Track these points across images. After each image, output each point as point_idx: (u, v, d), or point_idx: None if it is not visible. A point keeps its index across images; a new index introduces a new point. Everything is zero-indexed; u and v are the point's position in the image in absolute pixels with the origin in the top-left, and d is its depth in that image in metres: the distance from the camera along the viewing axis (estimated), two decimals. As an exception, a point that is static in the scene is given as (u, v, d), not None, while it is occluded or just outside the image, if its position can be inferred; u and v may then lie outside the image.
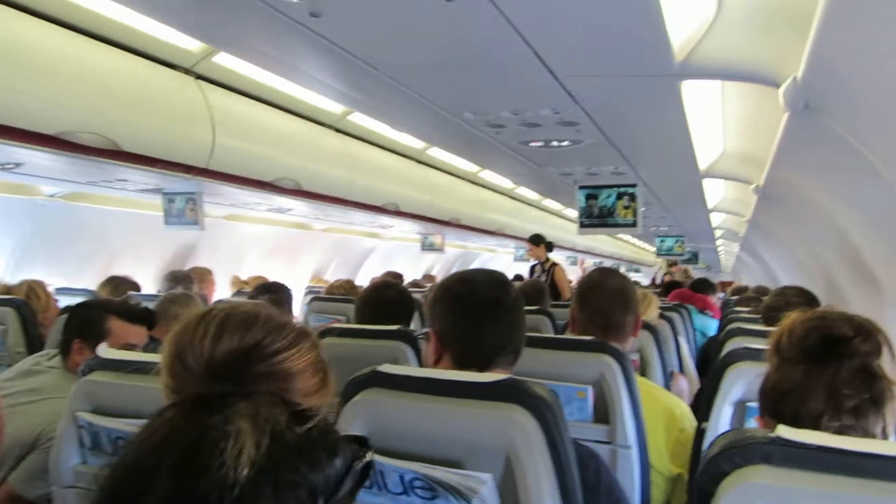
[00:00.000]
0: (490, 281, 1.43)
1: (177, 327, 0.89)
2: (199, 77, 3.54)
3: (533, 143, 4.12)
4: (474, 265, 12.47)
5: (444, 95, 3.18)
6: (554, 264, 6.89)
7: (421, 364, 2.03)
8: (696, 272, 14.87)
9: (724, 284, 20.20)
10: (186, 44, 3.31)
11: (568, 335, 2.08)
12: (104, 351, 1.48)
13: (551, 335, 2.37)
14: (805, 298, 2.45)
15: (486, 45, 2.28)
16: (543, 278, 6.72)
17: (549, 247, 6.97)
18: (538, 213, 9.48)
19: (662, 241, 10.60)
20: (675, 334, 3.37)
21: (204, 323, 0.88)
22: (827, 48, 1.37)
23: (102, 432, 1.40)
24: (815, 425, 1.08)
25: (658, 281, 12.16)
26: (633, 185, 5.04)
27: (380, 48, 2.45)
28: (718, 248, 13.12)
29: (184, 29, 2.66)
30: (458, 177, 6.69)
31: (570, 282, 7.53)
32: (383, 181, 5.19)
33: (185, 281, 4.38)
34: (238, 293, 4.96)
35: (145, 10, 2.42)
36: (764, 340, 2.31)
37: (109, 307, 2.28)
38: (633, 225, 5.08)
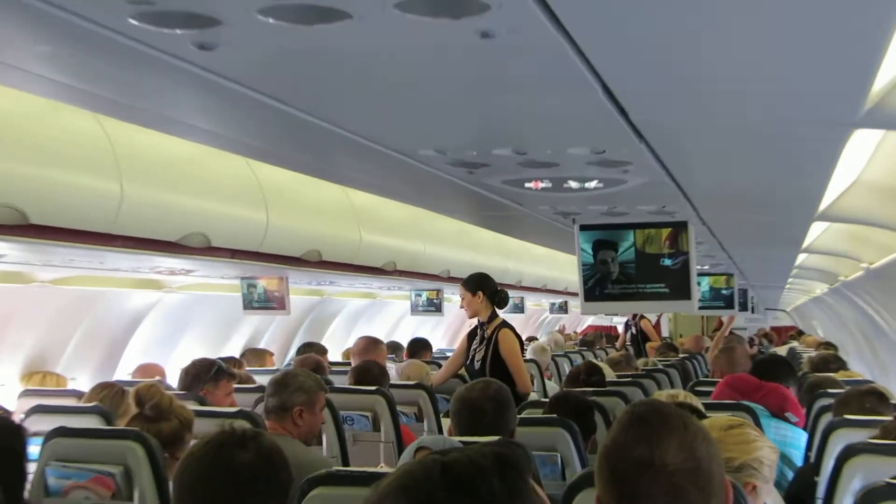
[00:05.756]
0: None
1: None
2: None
3: (529, 185, 2.69)
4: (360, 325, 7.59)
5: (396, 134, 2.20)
6: (501, 326, 4.17)
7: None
8: (739, 319, 8.58)
9: (781, 331, 12.61)
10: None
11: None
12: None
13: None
14: None
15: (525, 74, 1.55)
16: (481, 353, 4.13)
17: (499, 300, 4.25)
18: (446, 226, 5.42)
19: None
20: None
21: None
22: None
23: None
24: None
25: (632, 329, 8.76)
26: (683, 224, 3.21)
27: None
28: (787, 286, 9.26)
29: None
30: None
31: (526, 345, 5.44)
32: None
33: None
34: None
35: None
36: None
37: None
38: (688, 297, 3.26)
